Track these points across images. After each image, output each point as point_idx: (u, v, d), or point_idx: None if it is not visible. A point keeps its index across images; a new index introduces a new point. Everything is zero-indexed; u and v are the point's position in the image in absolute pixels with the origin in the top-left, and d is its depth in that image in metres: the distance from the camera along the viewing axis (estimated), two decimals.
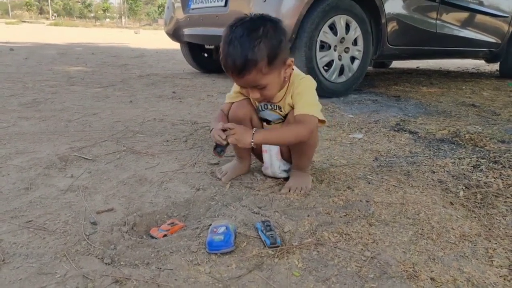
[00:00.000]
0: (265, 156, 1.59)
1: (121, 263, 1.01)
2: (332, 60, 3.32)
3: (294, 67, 1.47)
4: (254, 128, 1.34)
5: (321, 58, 3.25)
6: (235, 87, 1.53)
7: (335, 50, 3.32)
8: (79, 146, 1.92)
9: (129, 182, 1.52)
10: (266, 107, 1.51)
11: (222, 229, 1.11)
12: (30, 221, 1.20)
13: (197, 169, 1.70)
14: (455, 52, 4.52)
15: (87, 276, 0.95)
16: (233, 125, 1.34)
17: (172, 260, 1.03)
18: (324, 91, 3.29)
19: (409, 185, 1.56)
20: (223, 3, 3.69)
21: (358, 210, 1.33)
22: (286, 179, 1.57)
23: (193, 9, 4.22)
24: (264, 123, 1.58)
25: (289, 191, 1.47)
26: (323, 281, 0.97)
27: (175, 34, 4.55)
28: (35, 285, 0.91)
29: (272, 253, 1.09)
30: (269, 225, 1.18)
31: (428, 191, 1.51)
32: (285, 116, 1.49)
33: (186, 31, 4.34)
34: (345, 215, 1.31)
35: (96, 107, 2.84)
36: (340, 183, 1.57)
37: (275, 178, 1.60)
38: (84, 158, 1.76)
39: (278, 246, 1.11)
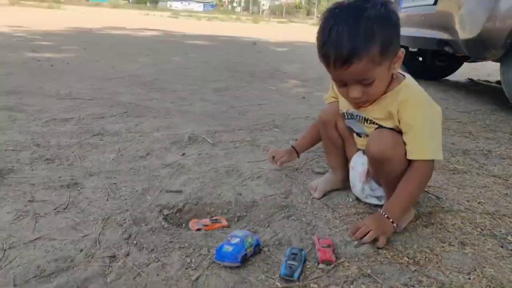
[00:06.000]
0: (350, 174, 1.29)
1: (134, 242, 1.04)
2: None
3: (409, 76, 1.12)
4: (384, 212, 1.08)
5: None
6: (330, 90, 1.31)
7: None
8: (216, 129, 2.07)
9: (220, 171, 1.54)
10: (352, 117, 1.22)
11: (236, 240, 0.97)
12: (114, 183, 1.38)
13: (296, 173, 1.55)
14: None
15: (99, 242, 1.02)
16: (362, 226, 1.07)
17: (173, 255, 0.99)
18: None
19: None
20: (432, 1, 3.16)
21: (436, 274, 0.91)
22: (380, 206, 1.22)
23: (404, 8, 3.82)
24: (354, 134, 1.28)
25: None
26: None
27: None
28: (63, 236, 1.05)
29: (280, 286, 0.89)
30: (296, 254, 0.95)
31: None
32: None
33: None
34: (414, 271, 0.91)
35: (268, 98, 2.98)
36: (454, 234, 1.11)
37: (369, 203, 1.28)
38: (208, 141, 1.88)
39: (294, 281, 0.89)
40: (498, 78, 2.72)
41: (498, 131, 2.27)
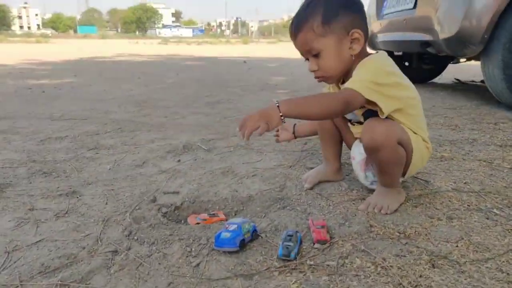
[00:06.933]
0: (353, 164, 1.33)
1: (135, 237, 1.07)
2: None
3: (382, 52, 1.18)
4: (276, 100, 1.03)
5: None
6: None
7: None
8: (210, 138, 2.11)
9: (216, 173, 1.58)
10: None
11: (233, 227, 1.01)
12: (112, 189, 1.41)
13: (290, 170, 1.59)
14: None
15: (100, 240, 1.05)
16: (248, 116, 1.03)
17: (174, 246, 1.02)
18: None
19: None
20: (411, 6, 3.29)
21: (426, 245, 0.95)
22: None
23: (386, 14, 3.95)
24: (349, 123, 1.33)
25: (368, 207, 1.18)
26: None
27: (370, 42, 4.35)
28: (65, 237, 1.07)
29: (278, 265, 0.92)
30: (292, 236, 0.99)
31: None
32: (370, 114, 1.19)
33: (380, 38, 4.09)
34: (405, 243, 0.95)
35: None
36: (442, 211, 1.15)
37: (367, 189, 1.32)
38: (203, 148, 1.92)
39: (291, 260, 0.93)
40: (482, 78, 2.81)
41: (483, 122, 2.34)
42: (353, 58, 1.15)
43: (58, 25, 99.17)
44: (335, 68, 1.16)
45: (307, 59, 1.19)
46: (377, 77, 1.07)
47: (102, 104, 3.24)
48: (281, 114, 1.00)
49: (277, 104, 1.01)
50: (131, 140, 2.09)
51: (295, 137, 1.58)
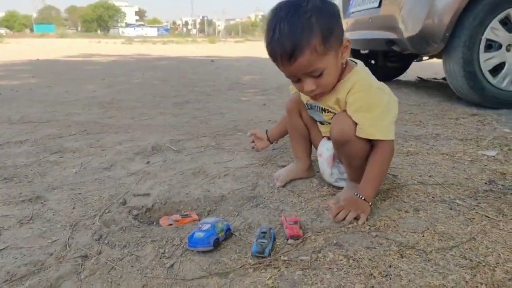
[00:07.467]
0: (319, 161, 1.36)
1: (105, 241, 1.04)
2: (504, 63, 2.60)
3: (360, 63, 1.21)
4: (360, 195, 1.13)
5: (487, 60, 2.60)
6: None
7: (508, 50, 2.59)
8: (179, 138, 2.09)
9: (187, 173, 1.56)
10: (311, 107, 1.30)
11: (207, 227, 1.00)
12: (79, 193, 1.37)
13: (262, 168, 1.60)
14: None
15: (69, 245, 1.02)
16: (343, 201, 1.14)
17: (147, 248, 1.00)
18: (489, 101, 2.63)
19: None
20: (376, 4, 3.38)
21: (394, 236, 0.98)
22: None
23: (352, 13, 4.04)
24: (318, 123, 1.36)
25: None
26: None
27: None
28: (30, 244, 1.03)
29: (252, 262, 0.93)
30: (265, 233, 0.99)
31: None
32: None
33: (346, 36, 4.17)
34: (375, 236, 0.98)
35: (229, 108, 3.04)
36: (409, 203, 1.20)
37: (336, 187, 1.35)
38: (172, 149, 1.90)
39: (265, 257, 0.93)
40: (444, 75, 2.93)
41: (445, 118, 2.45)
42: (344, 65, 1.16)
43: (12, 24, 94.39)
44: (334, 82, 1.16)
45: (297, 80, 1.13)
46: (390, 113, 1.17)
47: (64, 106, 3.12)
48: (370, 204, 1.13)
49: (363, 198, 1.12)
50: (97, 143, 2.03)
51: (271, 143, 1.67)
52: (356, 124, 1.12)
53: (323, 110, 1.25)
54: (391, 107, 1.18)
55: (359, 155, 1.17)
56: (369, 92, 1.15)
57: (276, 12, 1.08)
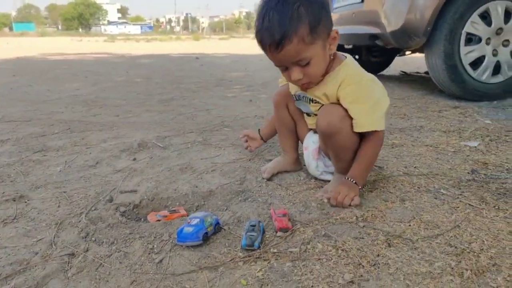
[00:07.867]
0: (304, 154, 1.36)
1: (93, 238, 1.03)
2: (483, 56, 2.65)
3: (349, 57, 1.21)
4: (350, 178, 1.18)
5: (467, 53, 2.65)
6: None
7: (487, 43, 2.65)
8: (165, 135, 2.07)
9: (174, 169, 1.55)
10: (299, 98, 1.30)
11: (195, 221, 1.00)
12: (64, 192, 1.34)
13: (249, 163, 1.60)
14: None
15: (55, 244, 1.00)
16: (333, 188, 1.19)
17: (135, 244, 0.99)
18: (470, 94, 2.69)
19: (494, 207, 1.08)
20: (359, 0, 3.40)
21: (382, 226, 1.00)
22: None
23: (336, 8, 4.06)
24: (305, 115, 1.36)
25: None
26: None
27: None
28: (15, 243, 1.01)
29: (242, 255, 0.93)
30: (254, 226, 1.00)
31: None
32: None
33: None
34: (363, 226, 1.00)
35: (215, 104, 3.02)
36: (395, 194, 1.21)
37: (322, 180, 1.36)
38: (158, 145, 1.88)
39: (255, 250, 0.94)
40: (426, 69, 2.97)
41: (428, 110, 2.49)
42: (332, 57, 1.17)
43: None
44: (321, 72, 1.17)
45: (285, 69, 1.14)
46: (383, 103, 1.18)
47: (46, 104, 3.06)
48: (360, 187, 1.18)
49: (354, 182, 1.16)
50: (81, 141, 1.99)
51: (265, 141, 1.65)
52: (344, 115, 1.13)
53: (311, 100, 1.26)
54: (383, 98, 1.19)
55: (347, 146, 1.18)
56: (360, 84, 1.17)
57: (266, 1, 1.09)
